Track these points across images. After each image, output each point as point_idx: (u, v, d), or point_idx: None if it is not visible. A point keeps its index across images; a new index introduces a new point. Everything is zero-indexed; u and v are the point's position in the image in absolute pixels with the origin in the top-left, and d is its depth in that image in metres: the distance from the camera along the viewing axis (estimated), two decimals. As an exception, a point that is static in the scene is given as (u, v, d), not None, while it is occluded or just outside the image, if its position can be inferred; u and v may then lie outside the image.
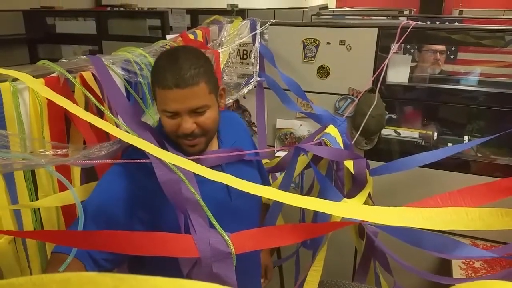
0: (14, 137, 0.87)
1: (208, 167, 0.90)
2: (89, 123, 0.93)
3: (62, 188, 1.01)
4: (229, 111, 1.68)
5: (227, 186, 1.05)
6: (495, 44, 1.84)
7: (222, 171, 1.04)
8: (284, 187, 1.30)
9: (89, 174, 1.14)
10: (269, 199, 1.42)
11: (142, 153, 0.92)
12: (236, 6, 4.20)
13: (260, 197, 1.28)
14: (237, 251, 0.86)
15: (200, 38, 1.78)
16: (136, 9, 4.24)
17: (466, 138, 2.13)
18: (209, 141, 1.05)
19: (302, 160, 1.39)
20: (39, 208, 1.01)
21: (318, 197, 1.26)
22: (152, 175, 0.90)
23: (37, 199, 0.98)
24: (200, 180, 0.92)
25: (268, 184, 1.51)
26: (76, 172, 1.11)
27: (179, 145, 1.01)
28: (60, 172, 0.97)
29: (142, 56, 1.32)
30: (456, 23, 3.02)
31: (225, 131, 1.16)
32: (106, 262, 0.91)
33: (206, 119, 0.98)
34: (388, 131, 2.07)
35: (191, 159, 0.89)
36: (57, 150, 0.87)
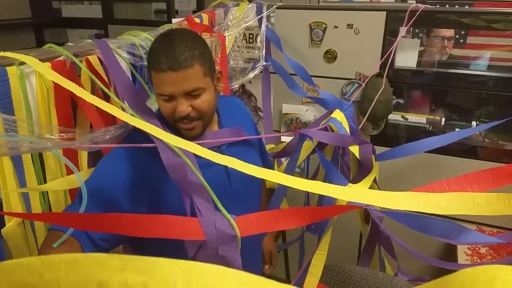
0: (21, 122, 0.88)
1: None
2: (96, 106, 0.93)
3: (70, 171, 1.03)
4: (232, 96, 1.67)
5: (226, 170, 1.06)
6: (507, 28, 1.80)
7: (221, 153, 1.04)
8: (288, 171, 1.31)
9: (96, 158, 1.15)
10: (274, 184, 1.43)
11: (144, 136, 0.91)
12: (242, -11, 4.13)
13: (261, 182, 1.28)
14: (243, 234, 0.87)
15: (205, 21, 1.77)
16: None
17: (474, 123, 2.11)
18: (206, 124, 1.04)
19: (308, 146, 1.39)
20: (47, 191, 1.02)
21: (324, 182, 1.26)
22: (154, 158, 0.90)
23: (45, 182, 1.00)
24: (200, 164, 0.93)
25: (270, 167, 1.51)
26: (84, 156, 1.12)
27: (177, 129, 1.01)
28: (67, 156, 0.98)
29: (147, 40, 1.32)
30: (467, 6, 2.95)
31: (226, 116, 1.15)
32: (102, 241, 0.91)
33: (202, 102, 0.97)
34: (395, 116, 2.05)
35: (196, 143, 0.89)
36: (63, 134, 0.87)
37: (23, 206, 0.95)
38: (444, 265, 1.37)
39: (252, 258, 1.29)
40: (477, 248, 1.71)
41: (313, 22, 1.90)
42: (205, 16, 1.77)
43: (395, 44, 1.74)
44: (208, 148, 0.91)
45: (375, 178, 1.46)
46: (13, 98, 0.91)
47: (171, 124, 1.01)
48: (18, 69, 0.91)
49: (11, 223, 0.92)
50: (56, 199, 1.04)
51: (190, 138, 0.98)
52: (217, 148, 1.07)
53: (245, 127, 1.18)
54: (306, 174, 1.91)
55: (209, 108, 1.00)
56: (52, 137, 0.85)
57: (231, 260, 0.87)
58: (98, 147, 0.93)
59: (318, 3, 3.03)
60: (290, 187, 0.79)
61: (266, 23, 1.89)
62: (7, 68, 0.90)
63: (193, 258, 0.90)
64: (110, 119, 1.13)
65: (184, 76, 0.92)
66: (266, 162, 1.37)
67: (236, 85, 1.91)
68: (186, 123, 0.98)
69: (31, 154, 0.95)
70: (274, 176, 0.83)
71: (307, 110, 2.05)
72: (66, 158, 0.84)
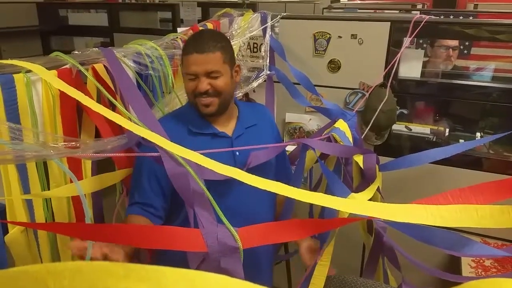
0: (27, 131, 0.89)
1: (218, 136, 1.19)
2: (103, 113, 0.94)
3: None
4: (262, 105, 1.75)
5: (234, 157, 1.20)
6: (511, 39, 1.80)
7: (231, 142, 1.22)
8: (294, 182, 1.30)
9: (100, 167, 1.15)
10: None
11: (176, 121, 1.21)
12: (247, -1, 4.17)
13: (271, 175, 1.31)
14: (245, 246, 0.86)
15: (210, 31, 1.78)
16: (148, 1, 4.24)
17: (478, 134, 2.10)
18: (222, 105, 1.20)
19: (311, 156, 1.39)
20: (50, 198, 1.02)
21: (326, 192, 1.26)
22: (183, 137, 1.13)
23: (49, 189, 1.00)
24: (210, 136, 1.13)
25: (289, 175, 1.48)
26: (88, 165, 1.12)
27: (196, 106, 1.19)
28: (71, 164, 0.98)
29: (153, 49, 1.33)
30: (471, 17, 2.97)
31: (247, 113, 1.31)
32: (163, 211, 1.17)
33: (220, 82, 1.16)
34: (399, 127, 2.04)
35: (201, 153, 0.89)
36: (67, 143, 0.88)
37: (26, 213, 0.95)
38: (448, 277, 1.35)
39: (259, 269, 1.29)
40: (481, 261, 1.69)
41: (317, 32, 1.91)
42: (210, 25, 1.79)
43: (399, 54, 1.75)
44: (221, 137, 1.20)
45: (379, 188, 1.46)
46: (19, 105, 0.92)
47: (192, 101, 1.20)
48: (25, 77, 0.92)
49: (14, 230, 0.92)
50: (59, 207, 1.04)
51: (206, 114, 1.19)
52: (229, 138, 1.23)
53: (264, 131, 1.32)
54: (309, 184, 1.90)
55: (225, 88, 1.18)
56: (56, 145, 0.85)
57: (233, 272, 0.87)
58: (100, 156, 0.93)
59: (322, 13, 3.05)
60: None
61: (270, 33, 1.90)
62: (14, 75, 0.91)
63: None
64: (117, 126, 1.14)
65: (206, 59, 1.13)
66: (282, 166, 1.42)
67: (240, 94, 1.91)
68: (204, 98, 1.16)
69: (36, 162, 0.95)
70: (276, 187, 0.83)
71: (310, 119, 2.05)
72: (66, 167, 0.85)
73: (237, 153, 1.21)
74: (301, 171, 1.34)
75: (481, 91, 1.90)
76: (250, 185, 1.03)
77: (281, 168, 1.40)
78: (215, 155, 1.00)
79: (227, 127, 1.25)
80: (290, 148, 1.70)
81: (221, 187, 1.07)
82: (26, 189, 0.95)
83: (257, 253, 1.22)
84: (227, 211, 0.92)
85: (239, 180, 1.00)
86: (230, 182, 0.99)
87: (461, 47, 2.63)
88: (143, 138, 0.92)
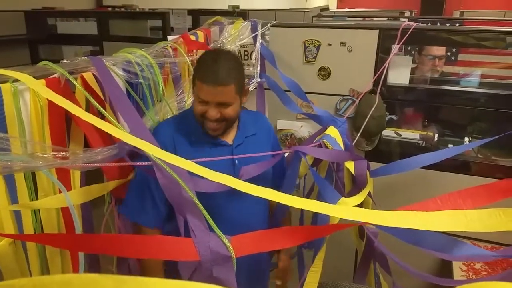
0: (14, 140, 0.87)
1: (219, 145, 1.23)
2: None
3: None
4: (260, 113, 1.75)
5: (233, 165, 1.24)
6: (496, 46, 1.84)
7: (231, 151, 1.26)
8: (287, 189, 1.31)
9: (89, 177, 1.14)
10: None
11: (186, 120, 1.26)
12: (237, 7, 4.21)
13: (270, 185, 1.30)
14: (237, 255, 0.86)
15: (201, 39, 1.79)
16: (137, 10, 4.24)
17: (467, 139, 2.13)
18: (228, 127, 1.25)
19: (304, 164, 1.40)
20: (39, 209, 1.00)
21: (318, 198, 1.26)
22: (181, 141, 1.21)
23: (37, 199, 0.98)
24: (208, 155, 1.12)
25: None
26: (76, 175, 1.11)
27: (202, 125, 1.23)
28: (60, 174, 0.97)
29: (143, 57, 1.33)
30: (457, 25, 3.02)
31: (247, 123, 1.35)
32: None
33: (229, 111, 1.20)
34: (388, 132, 2.06)
35: (202, 161, 0.88)
36: (56, 153, 0.87)
37: (14, 224, 0.94)
38: (439, 282, 1.36)
39: (254, 277, 1.28)
40: (472, 264, 1.71)
41: (307, 40, 1.93)
42: (200, 33, 1.79)
43: (387, 61, 1.77)
44: (222, 145, 1.25)
45: (370, 193, 1.46)
46: (7, 115, 0.91)
47: (199, 120, 1.23)
48: (12, 86, 0.91)
49: (2, 242, 0.90)
50: (48, 218, 1.03)
51: (212, 136, 1.23)
52: (229, 146, 1.28)
53: (262, 139, 1.36)
54: (303, 190, 1.90)
55: (233, 116, 1.23)
56: (45, 155, 0.84)
57: (226, 281, 0.86)
58: (89, 166, 0.92)
59: (312, 22, 3.08)
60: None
61: (260, 41, 1.91)
62: (1, 85, 0.89)
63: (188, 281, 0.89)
64: (107, 135, 1.13)
65: (220, 91, 1.16)
66: (278, 173, 1.43)
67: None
68: (212, 123, 1.20)
69: (23, 172, 0.94)
70: (269, 194, 0.83)
71: (301, 126, 2.06)
72: (55, 179, 0.84)
73: (236, 161, 1.25)
74: (293, 178, 1.34)
75: (469, 96, 1.93)
76: (246, 196, 1.04)
77: (277, 177, 1.40)
78: (216, 162, 1.06)
79: (228, 136, 1.29)
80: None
81: (217, 198, 1.06)
82: (14, 200, 0.93)
83: (252, 260, 1.22)
84: (223, 221, 0.92)
85: (235, 191, 1.01)
86: (226, 193, 0.99)
87: (448, 53, 2.67)
88: (134, 146, 0.92)
